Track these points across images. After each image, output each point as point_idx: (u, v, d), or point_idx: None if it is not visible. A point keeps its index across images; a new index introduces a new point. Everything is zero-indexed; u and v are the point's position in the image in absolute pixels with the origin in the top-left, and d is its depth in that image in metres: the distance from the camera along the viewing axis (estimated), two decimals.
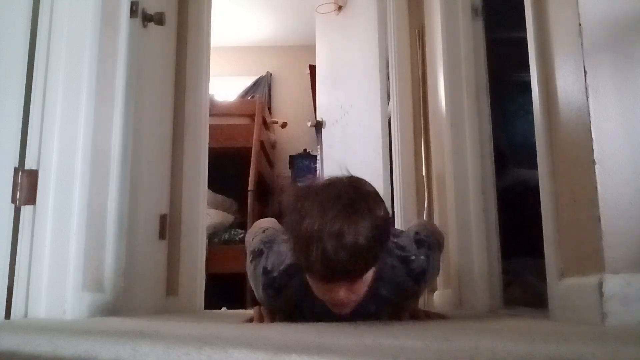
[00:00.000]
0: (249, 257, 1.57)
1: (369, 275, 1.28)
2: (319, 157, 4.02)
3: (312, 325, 1.28)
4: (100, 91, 1.71)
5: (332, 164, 3.52)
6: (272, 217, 1.87)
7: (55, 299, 1.49)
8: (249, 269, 1.55)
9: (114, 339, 0.85)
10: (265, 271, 1.45)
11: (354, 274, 1.23)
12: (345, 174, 1.33)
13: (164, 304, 2.37)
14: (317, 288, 1.30)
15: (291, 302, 1.45)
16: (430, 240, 1.55)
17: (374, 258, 1.25)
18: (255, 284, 1.53)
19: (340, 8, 3.61)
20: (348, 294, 1.26)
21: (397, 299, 1.48)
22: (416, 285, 1.48)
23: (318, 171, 4.11)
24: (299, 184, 1.29)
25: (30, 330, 1.09)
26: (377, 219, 1.24)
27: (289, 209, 1.29)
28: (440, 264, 1.67)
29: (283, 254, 1.44)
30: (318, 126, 3.78)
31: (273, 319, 1.45)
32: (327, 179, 1.32)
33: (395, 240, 1.48)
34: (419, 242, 1.52)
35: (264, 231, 1.66)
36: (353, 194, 1.26)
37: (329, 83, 3.74)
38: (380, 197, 1.32)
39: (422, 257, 1.48)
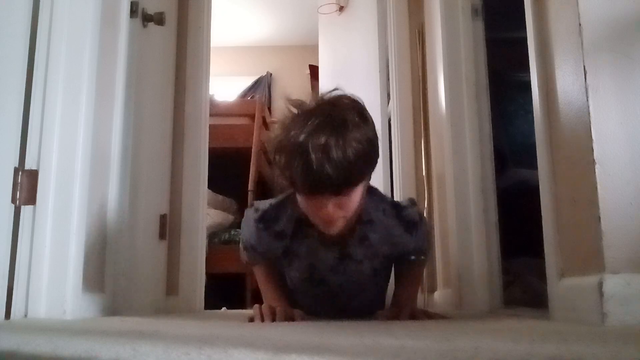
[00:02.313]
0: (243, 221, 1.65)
1: (358, 193, 1.30)
2: None
3: (312, 325, 1.28)
4: (100, 91, 1.71)
5: None
6: None
7: (55, 299, 1.49)
8: (243, 223, 1.64)
9: (114, 339, 0.85)
10: (256, 209, 1.53)
11: (339, 187, 1.24)
12: (340, 92, 1.34)
13: (164, 304, 2.37)
14: (305, 204, 1.32)
15: (280, 238, 1.47)
16: (422, 213, 1.64)
17: (360, 172, 1.27)
18: (247, 229, 1.59)
19: (341, 8, 3.61)
20: (336, 210, 1.27)
21: (385, 246, 1.50)
22: (407, 234, 1.50)
23: None
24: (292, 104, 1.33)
25: (30, 330, 1.09)
26: (364, 134, 1.26)
27: (278, 122, 1.31)
28: (439, 258, 1.70)
29: (274, 200, 1.52)
30: None
31: (274, 319, 1.45)
32: (320, 98, 1.33)
33: (389, 199, 1.55)
34: (411, 201, 1.60)
35: None
36: (343, 109, 1.27)
37: (331, 83, 3.73)
38: (370, 117, 1.33)
39: (416, 212, 1.55)
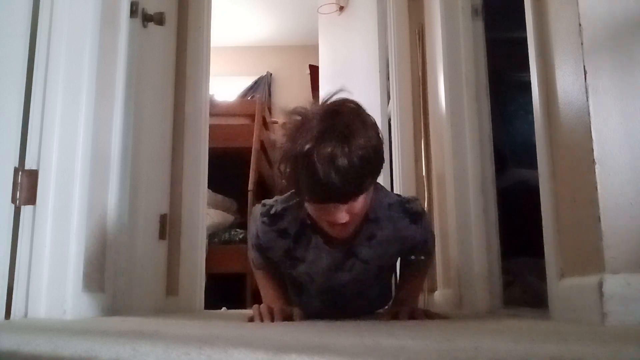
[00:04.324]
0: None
1: (364, 197, 1.31)
2: None
3: (312, 325, 1.28)
4: (100, 91, 1.71)
5: None
6: None
7: (55, 299, 1.49)
8: (251, 219, 1.64)
9: (114, 339, 0.85)
10: (264, 204, 1.53)
11: (345, 196, 1.26)
12: (343, 95, 1.34)
13: (164, 304, 2.37)
14: (313, 209, 1.33)
15: (284, 237, 1.48)
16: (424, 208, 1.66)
17: (367, 179, 1.28)
18: (253, 224, 1.59)
19: (341, 8, 3.61)
20: (344, 215, 1.29)
21: (393, 242, 1.51)
22: (412, 225, 1.51)
23: None
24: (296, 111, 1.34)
25: (30, 330, 1.09)
26: (369, 140, 1.26)
27: (283, 135, 1.31)
28: (439, 259, 1.70)
29: (283, 197, 1.51)
30: None
31: (273, 319, 1.45)
32: (322, 105, 1.32)
33: (393, 194, 1.59)
34: (414, 198, 1.62)
35: None
36: (346, 116, 1.28)
37: (332, 84, 3.73)
38: (375, 123, 1.34)
39: (419, 205, 1.57)
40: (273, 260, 1.59)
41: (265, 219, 1.50)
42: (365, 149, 1.24)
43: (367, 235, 1.48)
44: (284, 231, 1.49)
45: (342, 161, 1.20)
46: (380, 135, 1.33)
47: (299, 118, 1.29)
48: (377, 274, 1.60)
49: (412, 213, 1.51)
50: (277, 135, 1.35)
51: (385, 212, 1.48)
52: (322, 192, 1.23)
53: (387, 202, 1.50)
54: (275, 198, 1.55)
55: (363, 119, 1.31)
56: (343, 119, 1.26)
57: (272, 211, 1.49)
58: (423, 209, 1.61)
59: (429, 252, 1.68)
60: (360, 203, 1.31)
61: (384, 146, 1.34)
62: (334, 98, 1.33)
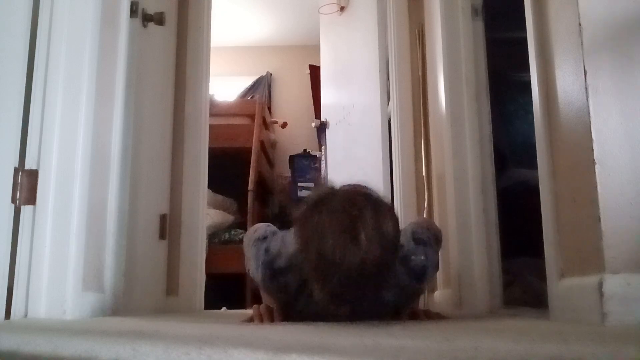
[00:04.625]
0: (251, 245, 1.55)
1: None
2: (323, 158, 4.02)
3: (312, 325, 1.28)
4: (100, 91, 1.71)
5: (335, 165, 3.53)
6: (272, 217, 1.88)
7: (55, 299, 1.49)
8: (251, 252, 1.53)
9: (114, 339, 0.85)
10: (267, 251, 1.46)
11: (360, 302, 1.26)
12: (358, 183, 1.31)
13: (164, 304, 2.37)
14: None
15: (287, 292, 1.45)
16: (427, 238, 1.55)
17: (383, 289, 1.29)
18: (255, 263, 1.50)
19: (342, 9, 3.61)
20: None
21: (400, 300, 1.48)
22: (418, 283, 1.49)
23: (322, 172, 4.11)
24: (313, 197, 1.30)
25: (30, 330, 1.09)
26: (392, 258, 1.26)
27: (302, 222, 1.27)
28: (440, 260, 1.67)
29: (287, 244, 1.43)
30: (322, 127, 3.78)
31: (273, 319, 1.45)
32: (344, 193, 1.28)
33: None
34: (416, 240, 1.51)
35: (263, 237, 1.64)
36: (372, 221, 1.21)
37: (333, 84, 3.74)
38: (391, 210, 1.31)
39: (422, 257, 1.49)
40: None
41: (267, 271, 1.44)
42: (387, 272, 1.25)
43: (373, 299, 1.42)
44: (285, 287, 1.44)
45: (366, 283, 1.20)
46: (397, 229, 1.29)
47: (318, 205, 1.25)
48: (384, 315, 1.57)
49: (417, 272, 1.47)
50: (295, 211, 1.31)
51: (392, 279, 1.40)
52: (340, 298, 1.23)
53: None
54: (279, 246, 1.46)
55: (390, 214, 1.28)
56: (371, 225, 1.21)
57: (275, 266, 1.43)
58: (427, 252, 1.51)
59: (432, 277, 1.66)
60: None
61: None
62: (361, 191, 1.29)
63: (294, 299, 1.45)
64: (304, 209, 1.28)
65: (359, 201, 1.24)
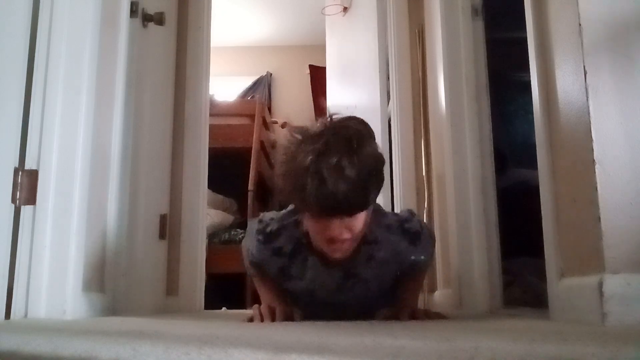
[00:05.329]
0: (247, 234, 1.64)
1: (365, 214, 1.31)
2: None
3: (312, 325, 1.28)
4: (100, 91, 1.71)
5: None
6: None
7: (55, 299, 1.49)
8: (247, 234, 1.62)
9: (114, 339, 0.85)
10: (260, 221, 1.52)
11: (350, 207, 1.25)
12: (341, 115, 1.35)
13: (164, 304, 2.37)
14: (313, 225, 1.32)
15: (278, 255, 1.47)
16: (421, 221, 1.64)
17: (372, 194, 1.28)
18: (249, 239, 1.58)
19: (345, 9, 3.61)
20: (343, 231, 1.28)
21: (392, 264, 1.50)
22: (411, 246, 1.50)
23: None
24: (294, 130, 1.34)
25: (30, 330, 1.09)
26: (374, 154, 1.27)
27: (282, 149, 1.31)
28: (439, 259, 1.70)
29: (280, 215, 1.50)
30: None
31: (273, 319, 1.45)
32: (326, 121, 1.32)
33: (391, 214, 1.58)
34: (411, 213, 1.61)
35: None
36: (352, 129, 1.28)
37: (337, 84, 3.74)
38: (375, 138, 1.35)
39: (416, 221, 1.56)
40: (269, 275, 1.59)
41: (260, 237, 1.48)
42: (372, 162, 1.25)
43: (365, 256, 1.46)
44: (279, 249, 1.48)
45: (350, 172, 1.19)
46: (382, 152, 1.33)
47: (299, 137, 1.28)
48: (379, 290, 1.58)
49: (412, 234, 1.50)
50: (277, 153, 1.36)
51: (384, 233, 1.47)
52: (329, 203, 1.21)
53: (385, 223, 1.48)
54: (271, 215, 1.53)
55: (369, 133, 1.31)
56: (349, 132, 1.26)
57: (268, 230, 1.47)
58: (422, 224, 1.59)
59: (429, 256, 1.67)
60: (360, 221, 1.31)
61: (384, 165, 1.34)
62: (336, 117, 1.33)
63: (290, 262, 1.48)
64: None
65: (338, 130, 1.27)
